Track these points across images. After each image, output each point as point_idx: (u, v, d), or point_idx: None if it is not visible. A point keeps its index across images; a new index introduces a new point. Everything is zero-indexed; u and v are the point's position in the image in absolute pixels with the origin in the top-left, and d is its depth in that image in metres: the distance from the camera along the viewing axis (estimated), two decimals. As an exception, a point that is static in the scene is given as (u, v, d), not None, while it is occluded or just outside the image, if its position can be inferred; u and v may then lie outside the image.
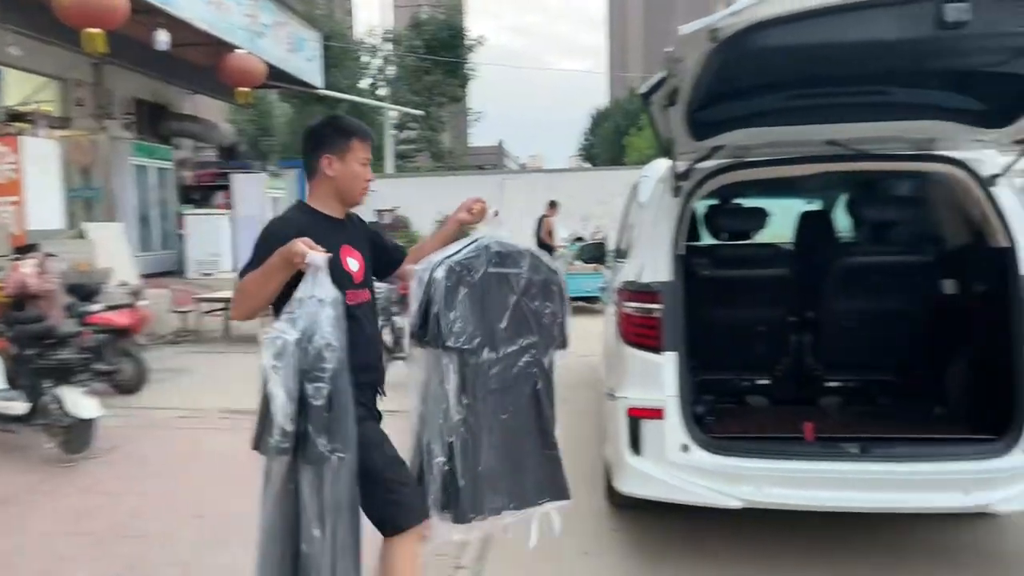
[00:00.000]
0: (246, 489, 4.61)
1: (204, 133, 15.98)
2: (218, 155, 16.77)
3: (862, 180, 4.91)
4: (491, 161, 61.15)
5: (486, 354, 2.53)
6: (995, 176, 3.47)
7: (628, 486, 3.58)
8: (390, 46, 28.77)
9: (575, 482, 4.60)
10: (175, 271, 13.39)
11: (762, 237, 4.77)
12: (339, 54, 25.04)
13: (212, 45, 11.67)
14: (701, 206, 5.34)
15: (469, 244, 2.58)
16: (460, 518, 2.54)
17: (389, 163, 23.31)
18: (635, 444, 3.49)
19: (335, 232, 2.49)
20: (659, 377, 3.47)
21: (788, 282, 4.34)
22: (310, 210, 2.58)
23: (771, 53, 2.57)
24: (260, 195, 13.61)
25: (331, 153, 2.54)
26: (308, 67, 15.36)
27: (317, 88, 16.12)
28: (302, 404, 2.16)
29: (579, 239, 14.06)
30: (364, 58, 28.89)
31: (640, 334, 3.53)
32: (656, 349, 3.49)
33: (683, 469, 3.42)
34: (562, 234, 14.50)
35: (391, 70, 29.14)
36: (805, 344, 4.41)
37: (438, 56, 26.69)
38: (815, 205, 6.57)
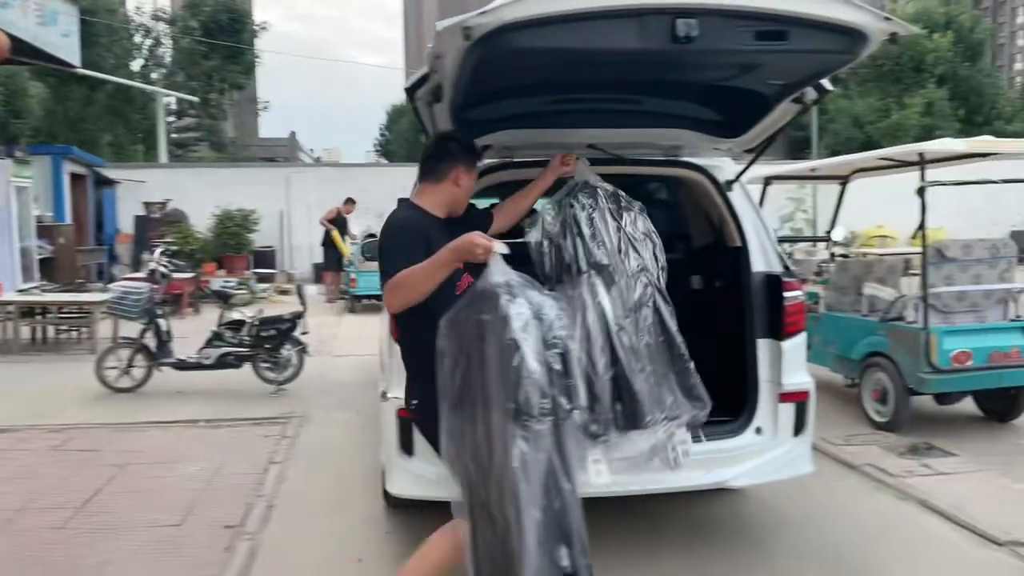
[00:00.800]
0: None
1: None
2: (-49, 137, 14.60)
3: (625, 184, 5.20)
4: (283, 153, 58.60)
5: (619, 274, 3.00)
6: (731, 182, 3.81)
7: (398, 487, 3.52)
8: (164, 26, 26.54)
9: (352, 488, 4.56)
10: None
11: None
12: (108, 32, 22.76)
13: (-61, 11, 10.09)
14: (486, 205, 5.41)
15: (574, 186, 3.16)
16: (638, 422, 2.89)
17: (162, 152, 21.53)
18: (406, 445, 3.45)
19: (445, 229, 2.73)
20: None
21: None
22: (421, 209, 2.83)
23: (526, 55, 2.62)
24: (3, 184, 11.98)
25: (464, 168, 2.89)
26: (64, 43, 13.75)
27: (74, 67, 14.51)
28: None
29: (372, 236, 13.85)
30: (137, 38, 26.49)
31: (409, 332, 3.48)
32: None
33: (454, 466, 3.43)
34: (354, 231, 14.20)
35: (165, 52, 26.93)
36: None
37: (217, 40, 25.02)
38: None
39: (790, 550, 3.77)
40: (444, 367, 2.42)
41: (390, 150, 52.93)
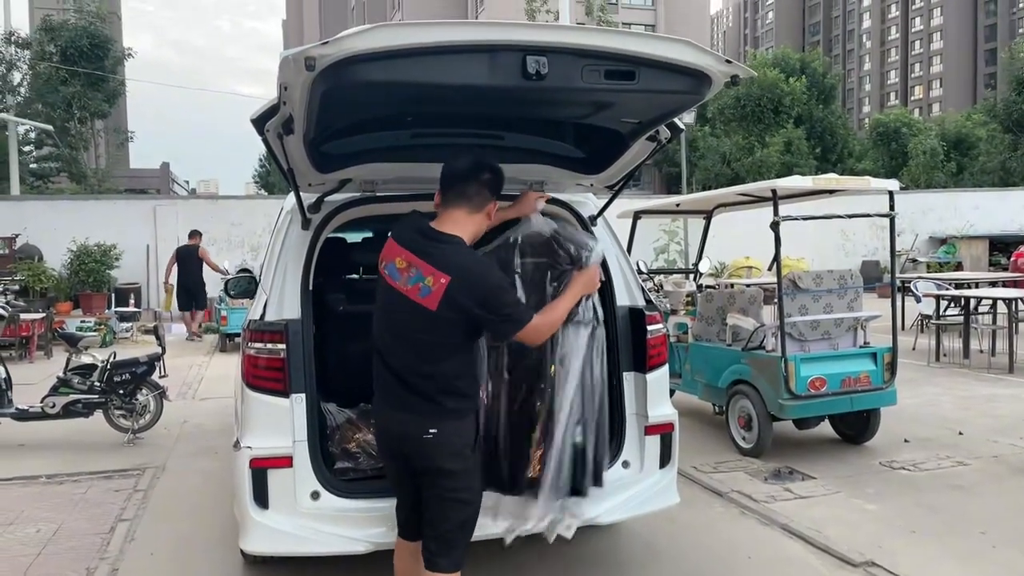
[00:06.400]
0: None
1: None
2: None
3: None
4: (155, 185, 56.05)
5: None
6: (594, 217, 3.85)
7: (253, 544, 3.30)
8: (18, 50, 24.72)
9: (208, 544, 4.25)
10: None
11: None
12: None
13: None
14: (358, 239, 5.25)
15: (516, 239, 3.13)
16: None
17: (15, 184, 19.99)
18: (261, 497, 3.24)
19: None
20: (286, 422, 3.26)
21: None
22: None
23: (374, 88, 2.54)
24: None
25: (495, 202, 2.90)
26: None
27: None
28: None
29: (245, 271, 13.28)
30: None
31: (263, 376, 3.29)
32: (282, 392, 3.27)
33: (312, 518, 3.26)
34: (224, 264, 13.60)
35: (18, 77, 25.12)
36: None
37: (78, 66, 23.56)
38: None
39: (660, 583, 3.78)
40: None
41: (271, 181, 51.46)
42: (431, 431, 2.69)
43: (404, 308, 2.72)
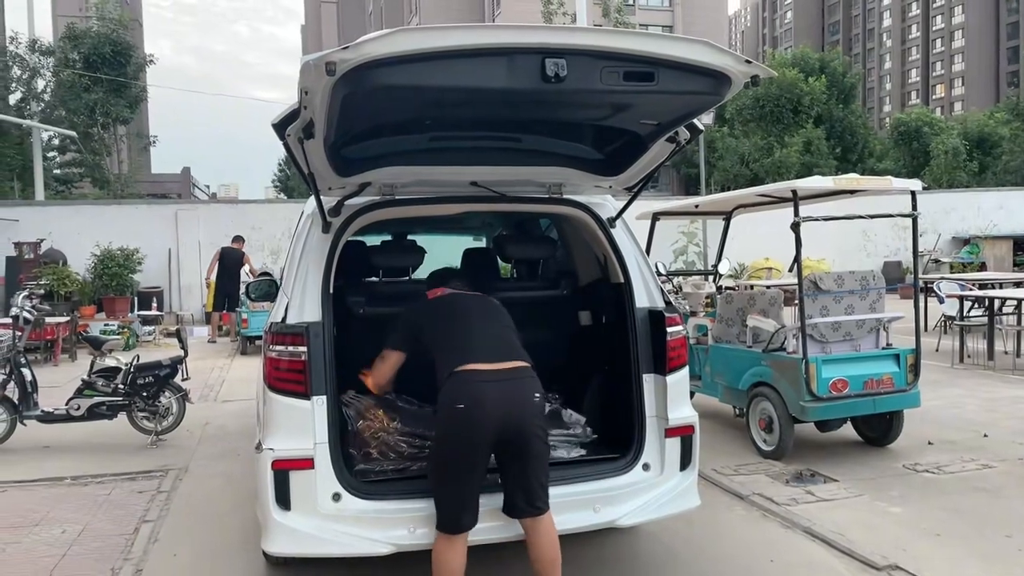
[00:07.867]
0: None
1: None
2: None
3: (516, 220, 5.21)
4: (176, 190, 56.77)
5: None
6: (613, 219, 3.84)
7: (276, 546, 3.32)
8: (41, 58, 25.03)
9: (231, 545, 4.29)
10: None
11: None
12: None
13: None
14: (376, 242, 5.28)
15: None
16: None
17: (39, 189, 20.25)
18: (283, 499, 3.26)
19: None
20: (307, 424, 3.28)
21: None
22: None
23: (394, 92, 2.56)
24: None
25: None
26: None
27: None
28: None
29: (266, 275, 13.42)
30: (16, 70, 25.00)
31: (285, 379, 3.32)
32: (303, 394, 3.30)
33: (334, 519, 3.27)
34: (245, 268, 13.76)
35: (41, 84, 25.45)
36: None
37: (100, 73, 23.84)
38: (481, 242, 6.90)
39: (681, 586, 3.76)
40: None
41: (290, 186, 51.84)
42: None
43: (486, 300, 3.56)
